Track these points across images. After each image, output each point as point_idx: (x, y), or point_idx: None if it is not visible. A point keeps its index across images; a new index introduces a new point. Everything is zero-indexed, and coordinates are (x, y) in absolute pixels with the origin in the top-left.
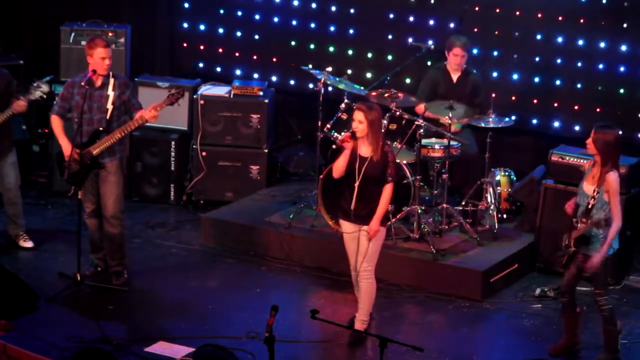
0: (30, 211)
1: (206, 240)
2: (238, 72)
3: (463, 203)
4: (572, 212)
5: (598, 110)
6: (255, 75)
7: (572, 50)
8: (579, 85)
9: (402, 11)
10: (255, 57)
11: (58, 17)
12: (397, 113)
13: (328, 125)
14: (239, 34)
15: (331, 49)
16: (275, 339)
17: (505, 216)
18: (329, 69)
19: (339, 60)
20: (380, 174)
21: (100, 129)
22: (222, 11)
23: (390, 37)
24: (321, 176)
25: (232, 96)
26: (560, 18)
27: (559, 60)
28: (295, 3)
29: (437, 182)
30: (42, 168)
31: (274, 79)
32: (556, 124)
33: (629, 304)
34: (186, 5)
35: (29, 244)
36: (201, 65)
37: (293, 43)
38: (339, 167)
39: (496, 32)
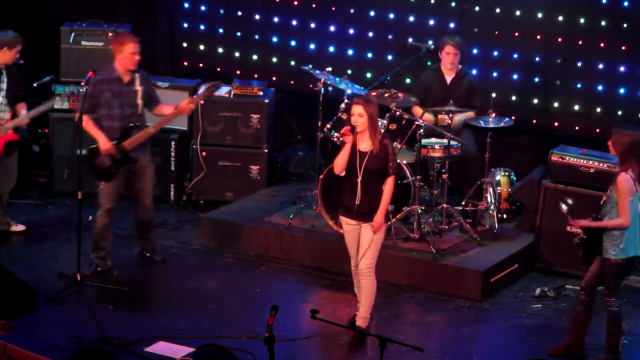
0: (30, 211)
1: (206, 240)
2: (238, 72)
3: (463, 203)
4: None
5: (598, 110)
6: (255, 75)
7: (572, 50)
8: (579, 85)
9: (402, 11)
10: (255, 57)
11: (58, 17)
12: (397, 113)
13: (328, 125)
14: (239, 34)
15: (331, 49)
16: (275, 339)
17: (505, 216)
18: (329, 69)
19: (339, 60)
20: (381, 167)
21: (131, 124)
22: (222, 11)
23: (390, 37)
24: (321, 176)
25: (232, 96)
26: (560, 18)
27: (558, 60)
28: (296, 3)
29: (437, 182)
30: (42, 168)
31: (274, 78)
32: (556, 124)
33: (629, 304)
34: (186, 5)
35: (20, 228)
36: (201, 65)
37: (293, 43)
38: (339, 163)
39: (496, 32)
